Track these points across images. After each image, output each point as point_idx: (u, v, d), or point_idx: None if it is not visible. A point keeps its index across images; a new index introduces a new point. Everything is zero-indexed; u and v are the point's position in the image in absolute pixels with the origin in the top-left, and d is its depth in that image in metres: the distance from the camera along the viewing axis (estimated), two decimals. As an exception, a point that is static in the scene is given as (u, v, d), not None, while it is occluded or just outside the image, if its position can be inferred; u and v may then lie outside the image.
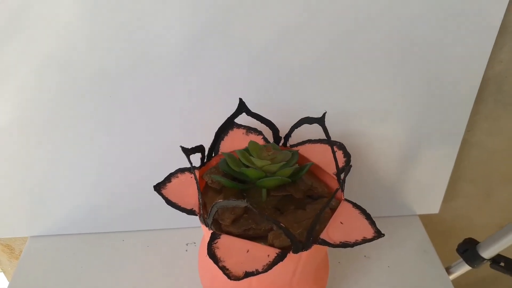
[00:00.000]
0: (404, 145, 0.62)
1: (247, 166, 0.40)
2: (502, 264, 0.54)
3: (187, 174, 0.45)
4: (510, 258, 0.55)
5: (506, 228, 0.53)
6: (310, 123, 0.45)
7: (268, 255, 0.37)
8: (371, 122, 0.58)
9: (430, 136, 0.62)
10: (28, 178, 0.58)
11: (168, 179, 0.44)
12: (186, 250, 0.61)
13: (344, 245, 0.37)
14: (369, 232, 0.38)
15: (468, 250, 0.56)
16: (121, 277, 0.58)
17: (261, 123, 0.47)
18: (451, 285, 0.58)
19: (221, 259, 0.36)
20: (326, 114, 0.45)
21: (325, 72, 0.53)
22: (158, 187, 0.43)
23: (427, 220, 0.72)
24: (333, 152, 0.42)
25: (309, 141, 0.50)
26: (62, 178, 0.59)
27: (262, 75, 0.52)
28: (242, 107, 0.45)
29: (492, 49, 0.57)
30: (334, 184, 0.46)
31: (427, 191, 0.67)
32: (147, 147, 0.57)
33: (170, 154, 0.57)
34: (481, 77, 0.57)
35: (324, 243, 0.37)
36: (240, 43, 0.49)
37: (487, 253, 0.55)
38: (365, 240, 0.38)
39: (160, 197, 0.60)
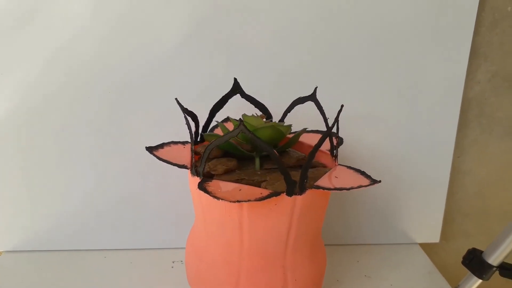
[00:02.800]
0: (396, 163, 0.62)
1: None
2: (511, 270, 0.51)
3: (179, 145, 0.45)
4: (518, 265, 0.52)
5: (507, 229, 0.51)
6: (303, 102, 0.47)
7: (261, 193, 0.35)
8: (363, 130, 0.60)
9: (422, 159, 0.63)
10: (8, 190, 0.57)
11: (161, 145, 0.44)
12: (172, 267, 0.57)
13: (340, 189, 0.36)
14: (365, 181, 0.37)
15: (474, 259, 0.53)
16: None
17: (255, 107, 0.49)
18: (461, 301, 0.53)
19: (213, 192, 0.34)
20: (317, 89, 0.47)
21: (318, 76, 0.56)
22: (151, 149, 0.42)
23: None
24: (325, 120, 0.43)
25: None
26: (44, 191, 0.58)
27: (259, 76, 0.55)
28: (236, 88, 0.47)
29: (469, 70, 0.62)
30: (327, 161, 0.45)
31: (424, 218, 0.65)
32: (135, 161, 0.58)
33: (159, 168, 0.58)
34: (461, 96, 0.60)
35: (319, 187, 0.36)
36: (237, 44, 0.54)
37: (494, 258, 0.51)
38: (361, 186, 0.36)
39: (144, 215, 0.59)
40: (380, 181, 0.37)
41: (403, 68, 0.57)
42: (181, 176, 0.59)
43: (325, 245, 0.64)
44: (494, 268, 0.52)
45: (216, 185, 0.36)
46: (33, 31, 0.51)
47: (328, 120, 0.54)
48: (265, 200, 0.36)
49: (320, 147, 0.36)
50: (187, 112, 0.42)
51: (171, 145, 0.45)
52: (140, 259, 0.58)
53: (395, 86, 0.58)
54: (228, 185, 0.36)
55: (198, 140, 0.47)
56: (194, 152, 0.41)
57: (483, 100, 0.64)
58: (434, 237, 0.66)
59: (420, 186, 0.64)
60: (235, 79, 0.47)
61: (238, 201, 0.33)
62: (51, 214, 0.59)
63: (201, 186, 0.35)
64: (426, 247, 0.69)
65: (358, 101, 0.58)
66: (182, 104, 0.41)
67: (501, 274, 0.51)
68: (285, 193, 0.36)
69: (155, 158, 0.57)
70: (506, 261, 0.52)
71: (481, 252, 0.54)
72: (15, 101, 0.54)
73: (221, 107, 0.47)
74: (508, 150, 0.67)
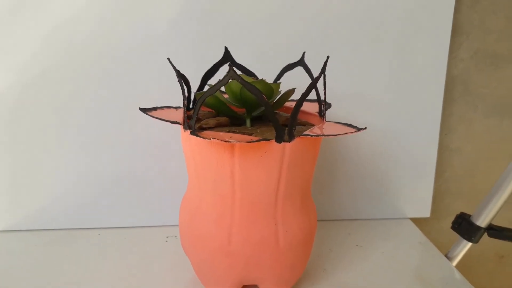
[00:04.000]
0: (386, 141, 0.64)
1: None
2: (498, 231, 0.52)
3: (172, 109, 0.46)
4: (505, 227, 0.53)
5: (493, 190, 0.52)
6: (292, 69, 0.49)
7: (252, 138, 0.36)
8: (350, 109, 0.61)
9: (410, 137, 0.64)
10: (2, 168, 0.58)
11: (154, 108, 0.45)
12: (166, 241, 0.57)
13: (327, 135, 0.37)
14: (351, 130, 0.39)
15: (463, 222, 0.54)
16: (97, 269, 0.52)
17: (245, 75, 0.50)
18: (450, 264, 0.54)
19: (205, 136, 0.35)
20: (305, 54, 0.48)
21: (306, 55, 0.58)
22: (144, 110, 0.43)
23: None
24: (312, 78, 0.45)
25: (291, 100, 0.52)
26: (38, 170, 0.58)
27: (250, 49, 0.57)
28: (227, 56, 0.49)
29: (452, 48, 0.65)
30: (316, 121, 0.47)
31: (415, 194, 0.67)
32: (131, 139, 0.59)
33: (153, 146, 0.59)
34: (445, 73, 0.62)
35: (307, 135, 0.38)
36: (229, 18, 0.56)
37: (482, 220, 0.53)
38: (347, 133, 0.38)
39: (138, 193, 0.60)
40: (365, 128, 0.38)
41: (386, 48, 0.60)
42: (174, 153, 0.60)
43: (317, 220, 0.65)
44: (483, 230, 0.53)
45: (207, 133, 0.37)
46: (30, 10, 0.53)
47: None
48: (256, 147, 0.37)
49: (308, 95, 0.38)
50: (179, 74, 0.43)
51: (164, 108, 0.46)
52: (133, 236, 0.59)
53: (379, 65, 0.60)
54: (219, 132, 0.38)
55: (191, 107, 0.48)
56: (187, 117, 0.42)
57: (467, 77, 0.66)
58: (424, 212, 0.67)
59: (410, 163, 0.65)
60: (226, 48, 0.49)
61: (229, 141, 0.34)
62: (45, 193, 0.59)
63: (193, 132, 0.36)
64: (418, 226, 0.70)
65: (343, 81, 0.60)
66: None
67: (490, 235, 0.53)
68: (274, 140, 0.37)
69: (148, 137, 0.59)
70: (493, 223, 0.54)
71: (470, 215, 0.55)
72: (12, 77, 0.55)
73: (213, 75, 0.48)
74: (493, 126, 0.69)
